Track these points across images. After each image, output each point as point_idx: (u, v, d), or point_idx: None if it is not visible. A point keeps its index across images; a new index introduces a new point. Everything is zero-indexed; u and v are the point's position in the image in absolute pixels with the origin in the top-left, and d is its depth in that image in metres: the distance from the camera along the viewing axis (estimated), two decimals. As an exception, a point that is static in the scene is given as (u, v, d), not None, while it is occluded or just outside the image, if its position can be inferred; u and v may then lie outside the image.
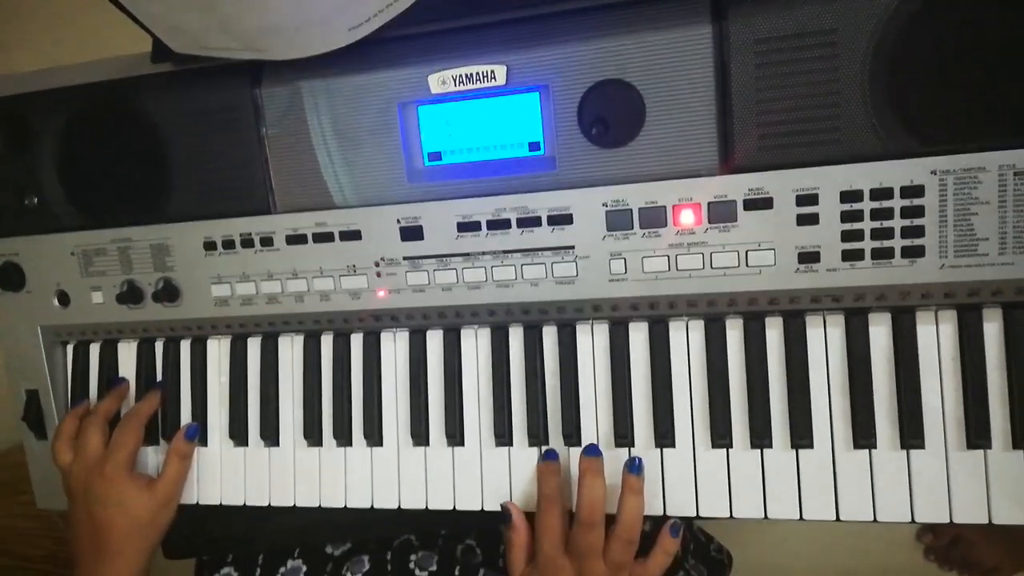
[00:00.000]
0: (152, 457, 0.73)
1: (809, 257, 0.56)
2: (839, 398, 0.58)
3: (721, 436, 0.59)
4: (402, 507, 0.66)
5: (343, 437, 0.67)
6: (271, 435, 0.69)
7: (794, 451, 0.58)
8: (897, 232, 0.54)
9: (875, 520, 0.57)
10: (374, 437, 0.66)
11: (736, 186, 0.56)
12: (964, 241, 0.53)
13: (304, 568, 0.73)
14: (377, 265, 0.64)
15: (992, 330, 0.55)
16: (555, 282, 0.61)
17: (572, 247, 0.60)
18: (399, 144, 0.61)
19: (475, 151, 0.61)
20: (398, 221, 0.62)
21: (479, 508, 0.65)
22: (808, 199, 0.55)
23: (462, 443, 0.65)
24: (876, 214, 0.54)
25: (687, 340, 0.60)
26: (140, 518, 0.66)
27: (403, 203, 0.62)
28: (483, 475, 0.65)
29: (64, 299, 0.72)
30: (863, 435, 0.56)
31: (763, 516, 0.59)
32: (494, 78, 0.58)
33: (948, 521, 0.56)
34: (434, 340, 0.66)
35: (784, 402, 0.58)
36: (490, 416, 0.64)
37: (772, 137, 0.54)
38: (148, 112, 0.65)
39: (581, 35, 0.56)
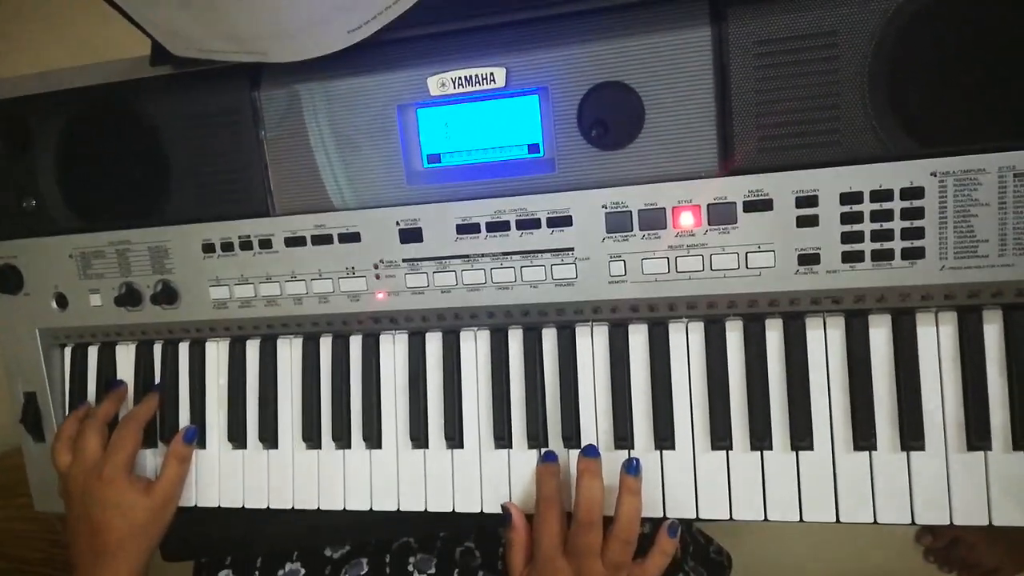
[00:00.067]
0: (151, 459, 0.73)
1: (809, 259, 0.56)
2: (839, 400, 0.58)
3: (721, 438, 0.59)
4: (401, 509, 0.66)
5: (342, 439, 0.67)
6: (270, 437, 0.69)
7: (794, 453, 0.58)
8: (897, 234, 0.54)
9: (875, 522, 0.57)
10: (373, 440, 0.66)
11: (736, 188, 0.56)
12: (964, 243, 0.53)
13: (303, 571, 0.73)
14: (376, 267, 0.64)
15: (992, 331, 0.55)
16: (554, 284, 0.61)
17: (571, 249, 0.60)
18: (398, 146, 0.61)
19: (474, 153, 0.61)
20: (397, 223, 0.62)
21: (478, 511, 0.65)
22: (808, 201, 0.55)
23: (461, 445, 0.65)
24: (876, 216, 0.54)
25: (687, 342, 0.60)
26: (138, 520, 0.66)
27: (402, 205, 0.62)
28: (482, 477, 0.65)
29: (62, 301, 0.72)
30: (863, 437, 0.56)
31: (763, 518, 0.59)
32: (493, 80, 0.58)
33: (948, 523, 0.56)
34: (433, 342, 0.66)
35: (784, 404, 0.58)
36: (489, 418, 0.64)
37: (772, 139, 0.54)
38: (147, 115, 0.65)
39: (580, 37, 0.56)
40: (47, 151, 0.68)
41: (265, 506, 0.70)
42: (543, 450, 0.63)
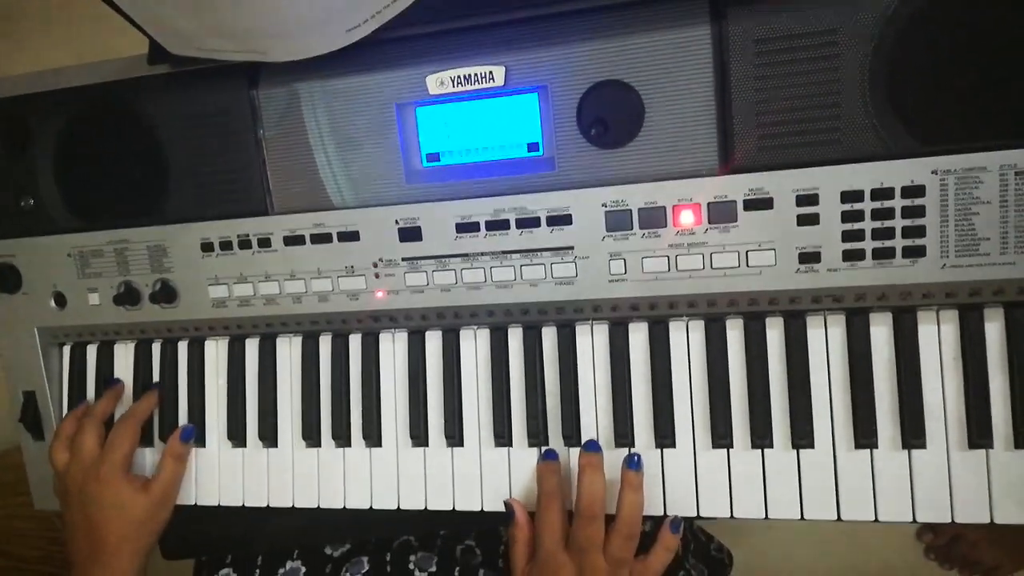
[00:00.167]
0: (149, 458, 0.72)
1: (810, 257, 0.56)
2: (840, 398, 0.57)
3: (722, 436, 0.59)
4: (401, 508, 0.66)
5: (342, 438, 0.67)
6: (269, 436, 0.69)
7: (795, 451, 0.58)
8: (898, 232, 0.54)
9: (876, 520, 0.57)
10: (373, 438, 0.66)
11: (736, 186, 0.56)
12: (965, 241, 0.53)
13: (303, 569, 0.73)
14: (375, 266, 0.64)
15: (994, 330, 0.55)
16: (554, 283, 0.61)
17: (571, 248, 0.60)
18: (397, 145, 0.61)
19: (474, 152, 0.61)
20: (396, 222, 0.62)
21: (479, 509, 0.64)
22: (808, 199, 0.55)
23: (461, 444, 0.65)
24: (877, 214, 0.54)
25: (687, 341, 0.60)
26: (135, 519, 0.66)
27: (401, 204, 0.62)
28: (482, 476, 0.64)
29: (61, 300, 0.72)
30: (864, 435, 0.56)
31: (764, 516, 0.59)
32: (492, 79, 0.58)
33: (950, 521, 0.56)
34: (433, 341, 0.66)
35: (785, 402, 0.58)
36: (489, 417, 0.64)
37: (772, 137, 0.54)
38: (145, 114, 0.64)
39: (580, 36, 0.56)
40: (45, 150, 0.68)
41: (265, 505, 0.70)
42: (544, 448, 0.63)
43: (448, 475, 0.65)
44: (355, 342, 0.67)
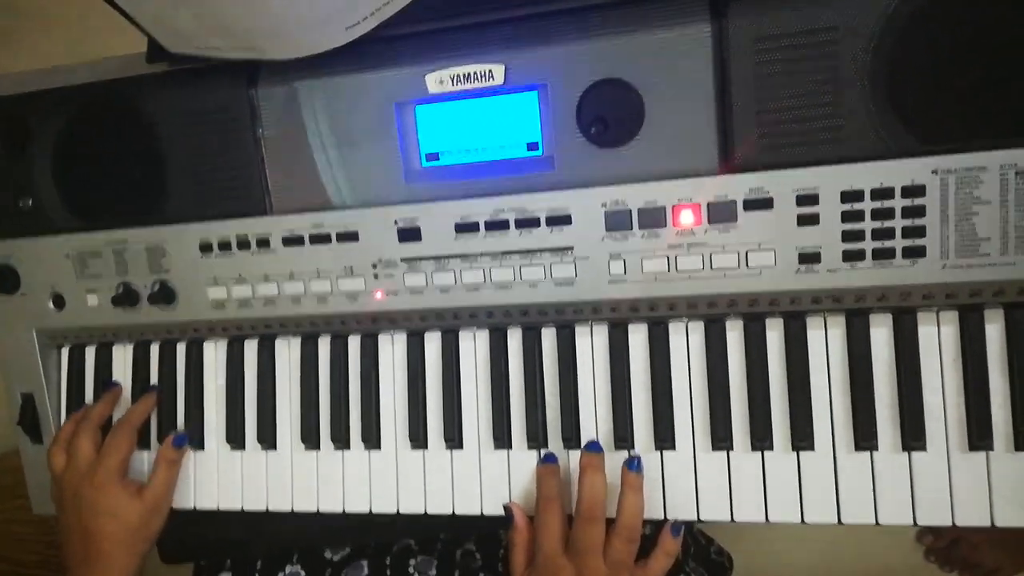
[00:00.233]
0: (147, 461, 0.72)
1: (810, 258, 0.55)
2: (840, 400, 0.57)
3: (721, 438, 0.59)
4: (400, 511, 0.66)
5: (341, 440, 0.67)
6: (268, 439, 0.69)
7: (795, 453, 0.58)
8: (898, 232, 0.54)
9: (877, 523, 0.57)
10: (372, 440, 0.66)
11: (736, 186, 0.55)
12: (965, 241, 0.53)
13: (302, 573, 0.72)
14: (375, 267, 0.63)
15: (994, 331, 0.55)
16: (554, 283, 0.60)
17: (571, 248, 0.59)
18: (396, 144, 0.61)
19: (473, 151, 0.61)
20: (396, 222, 0.62)
21: (478, 512, 0.64)
22: (808, 199, 0.54)
23: (461, 446, 0.65)
24: (877, 214, 0.54)
25: (687, 342, 0.60)
26: (130, 525, 0.66)
27: (401, 204, 0.62)
28: (482, 478, 0.64)
29: (59, 302, 0.72)
30: (864, 437, 0.56)
31: (764, 519, 0.58)
32: (492, 77, 0.58)
33: (950, 524, 0.55)
34: (432, 342, 0.65)
35: (785, 404, 0.58)
36: (489, 419, 0.64)
37: (772, 137, 0.54)
38: (143, 113, 0.64)
39: (579, 34, 0.56)
40: (43, 150, 0.67)
41: (264, 508, 0.69)
42: (543, 452, 0.62)
43: (447, 478, 0.65)
44: (354, 343, 0.67)
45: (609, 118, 0.56)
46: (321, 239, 0.64)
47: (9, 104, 0.68)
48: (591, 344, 0.62)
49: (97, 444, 0.68)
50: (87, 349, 0.74)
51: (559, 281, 0.60)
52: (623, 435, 0.60)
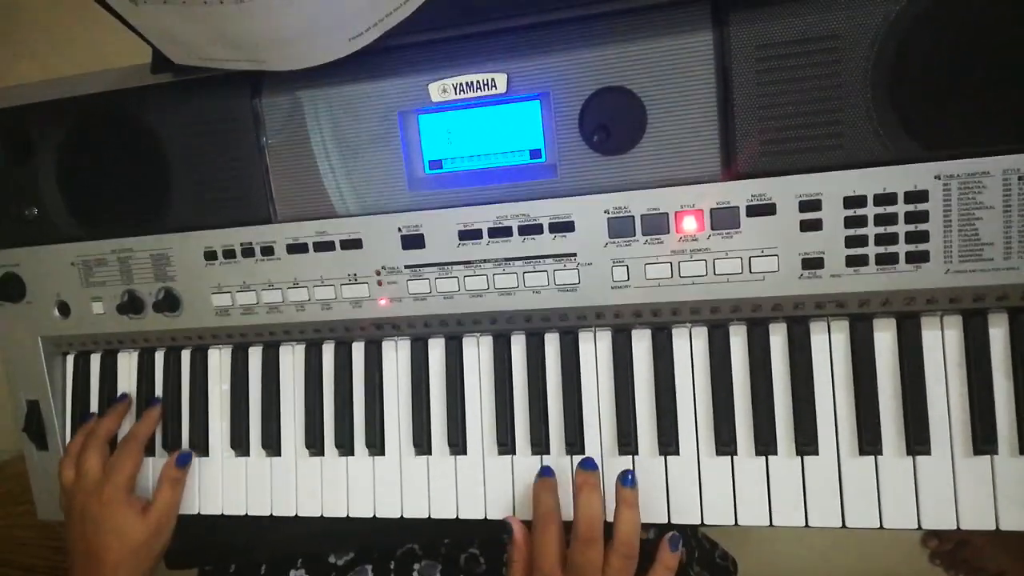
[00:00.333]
0: (152, 470, 0.72)
1: (813, 263, 0.55)
2: (844, 404, 0.57)
3: (725, 443, 0.59)
4: (404, 516, 0.66)
5: (345, 446, 0.67)
6: (273, 445, 0.69)
7: (799, 458, 0.58)
8: (901, 237, 0.54)
9: (881, 527, 0.57)
10: (376, 446, 0.66)
11: (739, 192, 0.56)
12: (969, 246, 0.53)
13: (307, 578, 0.72)
14: (378, 273, 0.64)
15: (998, 335, 0.55)
16: (557, 289, 0.61)
17: (574, 254, 0.60)
18: (400, 153, 0.61)
19: (476, 159, 0.61)
20: (399, 229, 0.62)
21: (482, 517, 0.64)
22: (811, 205, 0.54)
23: (464, 452, 0.65)
24: (880, 219, 0.54)
25: (691, 347, 0.60)
26: (133, 544, 0.66)
27: (404, 211, 0.62)
28: (486, 484, 0.64)
29: (65, 309, 0.72)
30: (869, 441, 0.56)
31: (768, 523, 0.58)
32: (495, 86, 0.58)
33: (955, 528, 0.55)
34: (436, 348, 0.66)
35: (789, 409, 0.58)
36: (492, 424, 0.64)
37: (775, 143, 0.54)
38: (148, 122, 0.65)
39: (582, 42, 0.56)
40: (48, 159, 0.68)
41: (268, 514, 0.69)
42: (541, 466, 0.62)
43: (451, 483, 0.65)
44: (358, 350, 0.67)
45: (611, 126, 0.56)
46: (325, 247, 0.64)
47: (16, 114, 0.68)
48: (595, 350, 0.62)
49: (105, 459, 0.68)
50: (92, 356, 0.74)
51: (562, 287, 0.60)
52: (627, 441, 0.60)
